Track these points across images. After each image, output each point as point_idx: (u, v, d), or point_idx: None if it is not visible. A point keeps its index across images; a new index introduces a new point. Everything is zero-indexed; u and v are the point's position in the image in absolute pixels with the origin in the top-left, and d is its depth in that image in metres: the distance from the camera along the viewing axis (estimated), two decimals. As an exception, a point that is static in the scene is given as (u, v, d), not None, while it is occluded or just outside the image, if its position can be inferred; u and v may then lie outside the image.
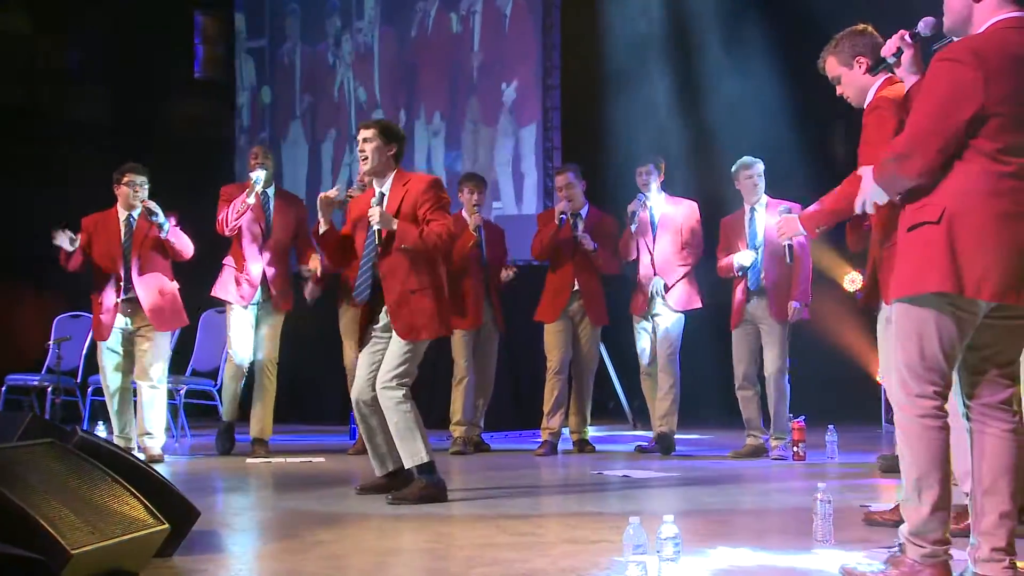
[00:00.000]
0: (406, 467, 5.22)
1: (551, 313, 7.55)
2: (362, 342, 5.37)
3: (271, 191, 7.46)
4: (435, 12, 9.61)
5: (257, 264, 7.30)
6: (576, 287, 7.52)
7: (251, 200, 7.17)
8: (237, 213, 7.18)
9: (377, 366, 5.26)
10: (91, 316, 7.25)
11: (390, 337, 5.24)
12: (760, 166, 7.16)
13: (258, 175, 7.20)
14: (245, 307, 7.29)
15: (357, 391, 5.33)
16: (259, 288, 7.30)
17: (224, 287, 7.34)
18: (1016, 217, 3.07)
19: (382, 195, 5.29)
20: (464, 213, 7.57)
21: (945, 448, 3.16)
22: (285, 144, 10.47)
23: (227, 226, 7.23)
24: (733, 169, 7.21)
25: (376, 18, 9.85)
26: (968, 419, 3.26)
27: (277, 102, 10.60)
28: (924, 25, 3.33)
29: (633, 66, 9.82)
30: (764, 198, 7.19)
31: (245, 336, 7.31)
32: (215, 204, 7.32)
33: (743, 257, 7.10)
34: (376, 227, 5.21)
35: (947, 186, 3.11)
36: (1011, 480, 3.18)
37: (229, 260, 7.37)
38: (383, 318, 5.29)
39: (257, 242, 7.31)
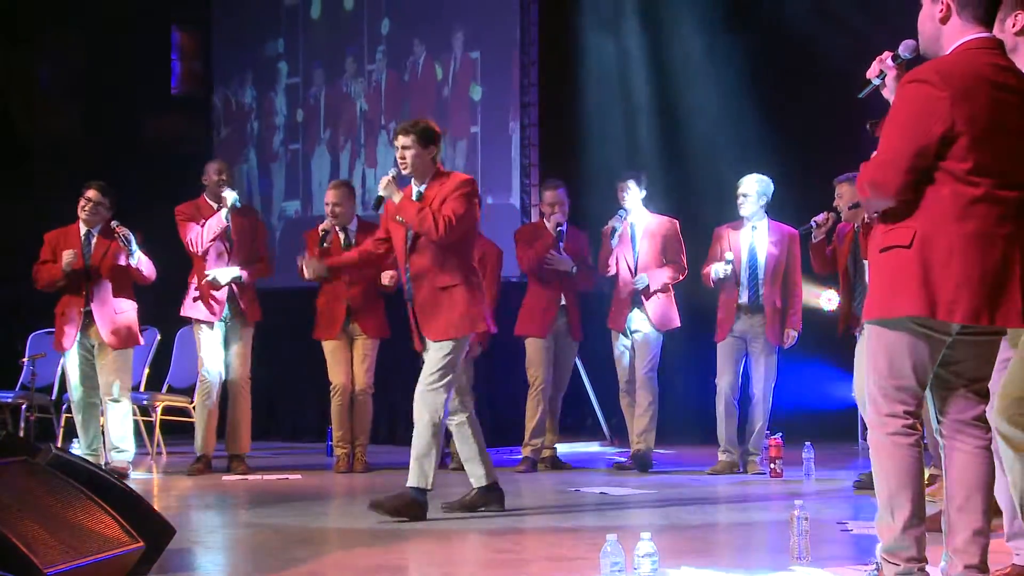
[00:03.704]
0: (408, 484, 5.11)
1: (539, 328, 7.49)
2: (417, 345, 5.33)
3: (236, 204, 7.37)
4: (423, 60, 9.88)
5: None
6: (563, 302, 7.52)
7: (227, 220, 7.15)
8: (213, 234, 7.15)
9: None
10: (63, 332, 7.20)
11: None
12: (749, 184, 7.18)
13: (233, 195, 7.17)
14: (213, 326, 7.24)
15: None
16: (227, 304, 7.25)
17: (193, 306, 7.28)
18: (985, 238, 3.11)
19: (420, 193, 5.29)
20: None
21: (916, 466, 3.19)
22: (313, 158, 10.64)
23: (200, 247, 7.18)
24: (737, 185, 7.25)
25: (384, 62, 10.10)
26: (940, 435, 3.30)
27: (307, 124, 10.74)
28: (905, 47, 3.38)
29: (611, 83, 9.87)
30: (765, 219, 7.24)
31: (216, 355, 7.27)
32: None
33: (719, 268, 7.14)
34: (381, 193, 5.30)
35: (918, 210, 3.15)
36: (984, 497, 3.21)
37: (195, 279, 7.30)
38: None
39: (223, 258, 7.25)
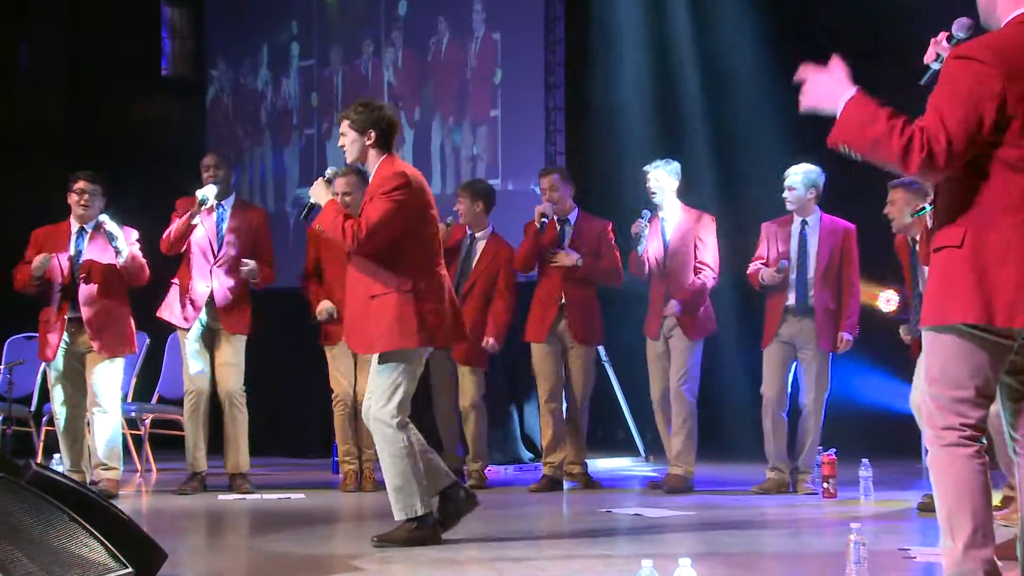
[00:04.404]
0: (396, 518, 5.04)
1: (538, 332, 7.48)
2: None
3: (229, 203, 7.36)
4: (446, 41, 9.99)
5: (203, 283, 7.20)
6: (563, 301, 7.46)
7: (195, 221, 7.08)
8: (177, 233, 7.08)
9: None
10: (42, 337, 7.18)
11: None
12: (796, 175, 7.13)
13: (205, 193, 7.09)
14: (187, 330, 7.21)
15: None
16: (204, 309, 7.20)
17: (169, 307, 7.27)
18: None
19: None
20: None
21: (977, 480, 3.13)
22: (329, 141, 10.74)
23: (167, 247, 7.14)
24: (784, 177, 7.19)
25: (400, 43, 10.23)
26: (1015, 452, 3.26)
27: (323, 106, 10.84)
28: (959, 26, 3.34)
29: (644, 62, 9.84)
30: (817, 213, 7.20)
31: (197, 364, 7.23)
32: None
33: (768, 275, 7.10)
34: (311, 201, 5.22)
35: (966, 205, 3.11)
36: None
37: (178, 279, 7.30)
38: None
39: (206, 259, 7.22)
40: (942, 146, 3.06)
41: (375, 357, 5.11)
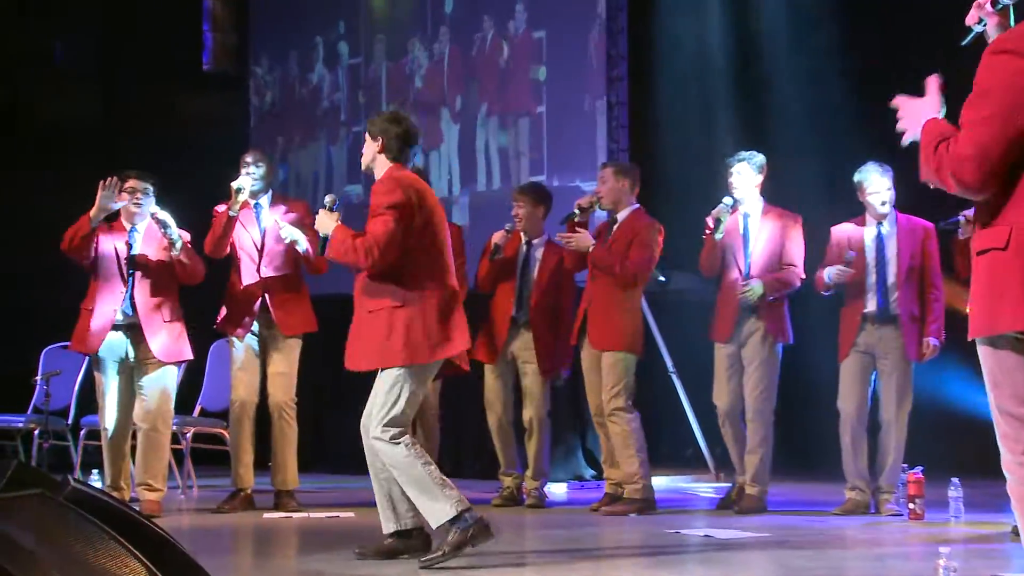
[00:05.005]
0: (433, 527, 5.10)
1: (577, 338, 7.48)
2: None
3: (266, 199, 7.39)
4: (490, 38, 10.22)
5: (254, 286, 7.26)
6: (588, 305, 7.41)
7: (233, 212, 7.11)
8: (218, 229, 7.12)
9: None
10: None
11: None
12: (871, 174, 7.05)
13: (240, 183, 7.12)
14: (243, 339, 7.27)
15: (362, 422, 5.26)
16: (258, 314, 7.26)
17: (225, 318, 7.35)
18: None
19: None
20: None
21: None
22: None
23: (213, 247, 7.19)
24: (856, 178, 7.12)
25: (447, 41, 10.46)
26: None
27: (369, 104, 11.02)
28: None
29: (711, 52, 9.83)
30: (892, 213, 7.12)
31: (244, 372, 7.28)
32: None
33: (832, 271, 7.02)
34: (322, 233, 5.36)
35: (1012, 201, 3.03)
36: None
37: (228, 286, 7.36)
38: None
39: (252, 260, 7.28)
40: (972, 174, 3.02)
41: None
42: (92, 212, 6.85)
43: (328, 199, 5.47)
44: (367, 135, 5.44)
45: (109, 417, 7.02)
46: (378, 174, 5.39)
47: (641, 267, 7.26)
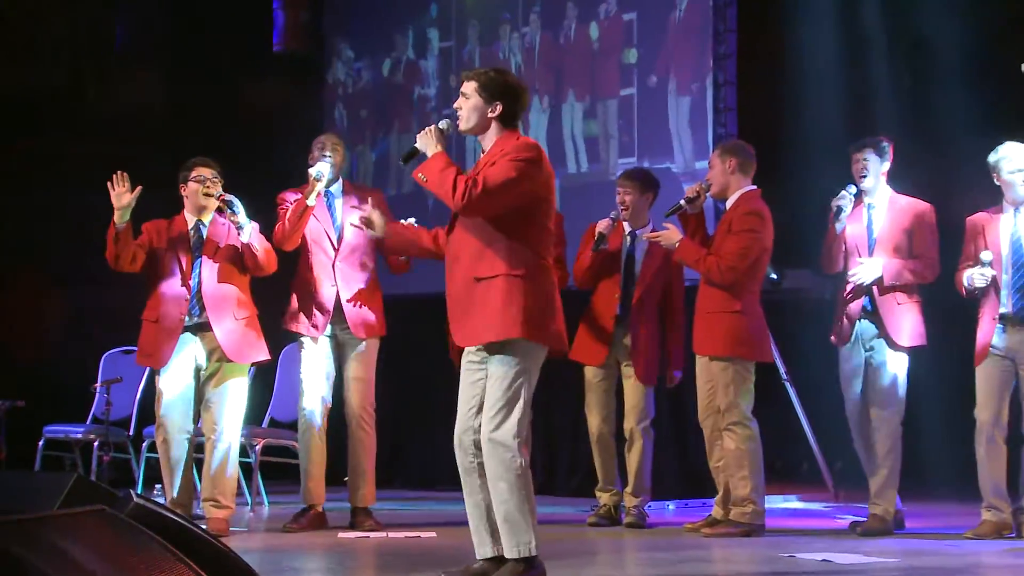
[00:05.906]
0: (507, 556, 4.99)
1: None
2: (452, 353, 5.27)
3: (337, 188, 7.37)
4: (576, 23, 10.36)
5: (328, 283, 7.24)
6: None
7: (311, 201, 7.07)
8: (292, 218, 7.07)
9: (477, 401, 5.06)
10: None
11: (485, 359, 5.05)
12: (1009, 157, 6.93)
13: (319, 169, 7.08)
14: (317, 341, 7.25)
15: (456, 432, 5.16)
16: (333, 313, 7.23)
17: (294, 317, 7.30)
18: None
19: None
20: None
21: None
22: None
23: (285, 239, 7.16)
24: (992, 159, 7.00)
25: (538, 25, 10.61)
26: None
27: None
28: None
29: (829, 24, 9.76)
30: None
31: (317, 380, 7.27)
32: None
33: (974, 274, 6.91)
34: (416, 144, 5.14)
35: None
36: None
37: (298, 282, 7.34)
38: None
39: (327, 255, 7.26)
40: None
41: (486, 361, 5.04)
42: (115, 217, 6.83)
43: (444, 122, 5.19)
44: (475, 94, 5.08)
45: (172, 426, 6.98)
46: (487, 143, 5.14)
47: (732, 260, 7.04)
